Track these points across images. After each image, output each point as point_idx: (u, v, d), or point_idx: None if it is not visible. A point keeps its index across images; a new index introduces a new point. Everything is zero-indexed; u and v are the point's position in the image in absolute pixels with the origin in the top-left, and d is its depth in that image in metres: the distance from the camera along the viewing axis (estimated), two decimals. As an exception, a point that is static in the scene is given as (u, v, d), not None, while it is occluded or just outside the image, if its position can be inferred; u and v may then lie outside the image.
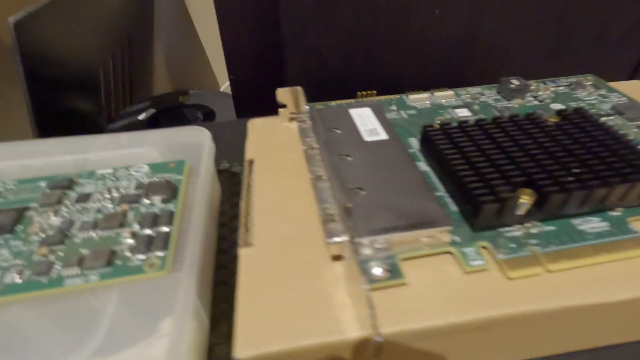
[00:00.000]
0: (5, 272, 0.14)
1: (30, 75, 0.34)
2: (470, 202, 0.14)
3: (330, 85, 0.39)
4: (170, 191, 0.16)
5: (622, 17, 0.39)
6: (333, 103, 0.22)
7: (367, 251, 0.13)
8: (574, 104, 0.22)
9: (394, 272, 0.13)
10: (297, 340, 0.12)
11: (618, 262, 0.14)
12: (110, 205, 0.16)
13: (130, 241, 0.15)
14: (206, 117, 0.57)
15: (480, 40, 0.39)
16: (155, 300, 0.13)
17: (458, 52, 0.39)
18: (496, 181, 0.14)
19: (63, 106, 0.41)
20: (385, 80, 0.41)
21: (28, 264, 0.14)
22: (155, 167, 0.18)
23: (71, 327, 0.13)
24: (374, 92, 0.22)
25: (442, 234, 0.14)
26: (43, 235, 0.15)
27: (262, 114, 0.28)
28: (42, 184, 0.17)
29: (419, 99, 0.22)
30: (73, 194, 0.17)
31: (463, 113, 0.21)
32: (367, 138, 0.18)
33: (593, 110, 0.21)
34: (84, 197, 0.16)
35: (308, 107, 0.19)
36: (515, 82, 0.22)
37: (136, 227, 0.15)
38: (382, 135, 0.18)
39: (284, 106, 0.22)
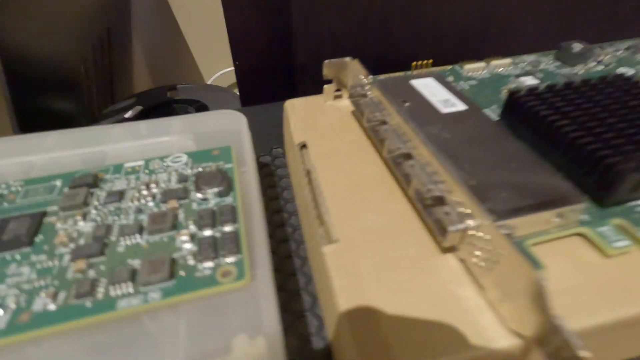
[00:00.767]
0: (31, 296, 0.10)
1: (9, 71, 0.29)
2: (601, 172, 0.12)
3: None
4: (226, 182, 0.13)
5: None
6: (382, 76, 0.20)
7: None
8: (641, 68, 0.20)
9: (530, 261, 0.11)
10: (442, 357, 0.09)
11: None
12: (151, 204, 0.13)
13: (189, 246, 0.11)
14: (199, 112, 0.53)
15: (495, 19, 0.37)
16: (233, 318, 0.10)
17: (473, 31, 0.37)
18: (627, 146, 0.12)
19: (44, 105, 0.37)
20: (398, 63, 0.38)
21: (61, 284, 0.10)
22: (195, 156, 0.15)
23: (133, 363, 0.09)
24: (430, 61, 0.19)
25: (573, 213, 0.12)
26: (73, 246, 0.11)
27: (269, 101, 0.25)
28: (58, 182, 0.14)
29: (474, 69, 0.20)
30: (101, 193, 0.13)
31: (529, 81, 0.19)
32: (444, 110, 0.16)
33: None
34: (117, 196, 0.13)
35: (372, 78, 0.16)
36: (578, 45, 0.20)
37: (193, 227, 0.12)
38: (460, 106, 0.16)
39: (329, 82, 0.19)
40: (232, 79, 0.71)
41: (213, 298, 0.10)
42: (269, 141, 0.22)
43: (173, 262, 0.11)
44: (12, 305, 0.10)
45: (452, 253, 0.12)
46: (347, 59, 0.18)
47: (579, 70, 0.20)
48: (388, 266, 0.11)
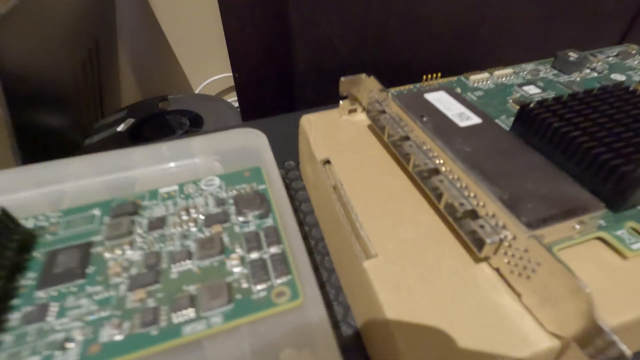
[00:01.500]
0: (96, 328, 0.11)
1: (6, 89, 0.29)
2: (615, 179, 0.13)
3: (340, 77, 0.37)
4: (265, 204, 0.14)
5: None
6: (393, 90, 0.20)
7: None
8: (632, 73, 0.21)
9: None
10: (493, 361, 0.10)
11: None
12: (194, 229, 0.13)
13: (239, 269, 0.12)
14: (193, 122, 0.53)
15: (486, 20, 0.38)
16: (290, 337, 0.11)
17: (466, 33, 0.39)
18: (637, 155, 0.13)
19: (39, 121, 0.36)
20: (394, 67, 0.39)
21: (123, 314, 0.11)
22: (227, 178, 0.16)
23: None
24: (439, 74, 0.20)
25: (594, 220, 0.13)
26: (126, 275, 0.12)
27: (268, 110, 0.26)
28: (96, 211, 0.14)
29: (479, 79, 0.21)
30: (142, 220, 0.14)
31: (532, 90, 0.20)
32: (461, 123, 0.16)
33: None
34: (159, 223, 0.13)
35: (390, 93, 0.17)
36: (573, 54, 0.21)
37: (239, 251, 0.12)
38: (475, 119, 0.17)
39: (344, 98, 0.19)
40: (222, 86, 0.71)
41: (270, 319, 0.11)
42: (279, 154, 0.23)
43: (229, 286, 0.11)
44: (79, 337, 0.10)
45: (486, 262, 0.12)
46: (363, 75, 0.19)
47: (576, 78, 0.21)
48: (429, 277, 0.12)
